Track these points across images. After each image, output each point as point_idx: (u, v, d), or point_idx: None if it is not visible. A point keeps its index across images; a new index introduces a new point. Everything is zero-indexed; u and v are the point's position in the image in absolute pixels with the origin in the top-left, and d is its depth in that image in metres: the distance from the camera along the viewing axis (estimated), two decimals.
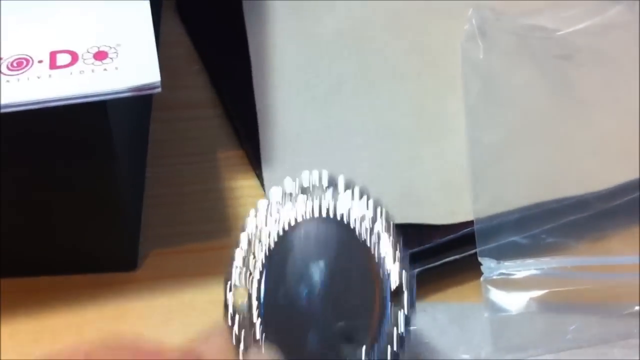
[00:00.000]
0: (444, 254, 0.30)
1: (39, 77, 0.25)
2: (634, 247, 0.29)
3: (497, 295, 0.28)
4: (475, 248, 0.29)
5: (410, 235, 0.31)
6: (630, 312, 0.28)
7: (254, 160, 0.35)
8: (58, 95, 0.25)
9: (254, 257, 0.23)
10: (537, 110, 0.35)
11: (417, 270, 0.30)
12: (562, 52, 0.37)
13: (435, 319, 0.29)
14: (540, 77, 0.36)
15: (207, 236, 0.33)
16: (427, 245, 0.30)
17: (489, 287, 0.28)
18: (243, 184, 0.35)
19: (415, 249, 0.30)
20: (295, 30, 0.40)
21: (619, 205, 0.30)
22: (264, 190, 0.34)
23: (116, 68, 0.26)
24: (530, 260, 0.29)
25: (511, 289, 0.28)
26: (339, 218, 0.24)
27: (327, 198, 0.24)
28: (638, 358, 0.28)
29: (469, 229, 0.30)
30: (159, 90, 0.25)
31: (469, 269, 0.30)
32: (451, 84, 0.37)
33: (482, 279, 0.29)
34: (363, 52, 0.39)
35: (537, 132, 0.34)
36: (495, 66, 0.37)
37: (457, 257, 0.30)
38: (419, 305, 0.30)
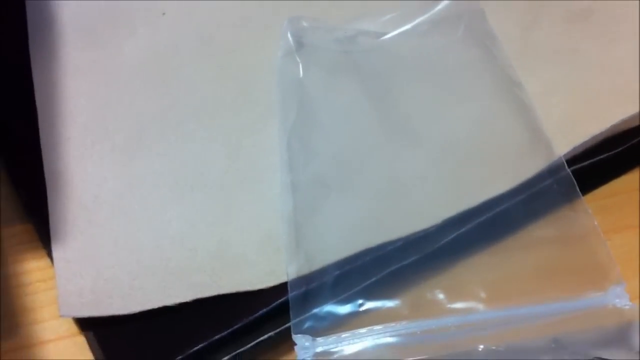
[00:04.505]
0: (257, 331, 0.26)
1: None
2: (459, 298, 0.26)
3: None
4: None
5: (224, 311, 0.27)
6: None
7: (43, 236, 0.30)
8: None
9: None
10: (360, 136, 0.31)
11: (226, 358, 0.26)
12: (386, 62, 0.34)
13: None
14: (362, 93, 0.33)
15: None
16: (235, 327, 0.26)
17: None
18: (31, 267, 0.30)
19: (220, 334, 0.25)
20: (89, 64, 0.35)
21: (443, 246, 0.27)
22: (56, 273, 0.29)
23: None
24: (346, 334, 0.25)
25: None
26: None
27: None
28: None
29: (284, 298, 0.26)
30: None
31: (291, 344, 0.26)
32: (269, 113, 0.33)
33: None
34: (169, 86, 0.34)
35: (362, 163, 0.30)
36: (315, 85, 0.33)
37: (271, 334, 0.26)
38: None
